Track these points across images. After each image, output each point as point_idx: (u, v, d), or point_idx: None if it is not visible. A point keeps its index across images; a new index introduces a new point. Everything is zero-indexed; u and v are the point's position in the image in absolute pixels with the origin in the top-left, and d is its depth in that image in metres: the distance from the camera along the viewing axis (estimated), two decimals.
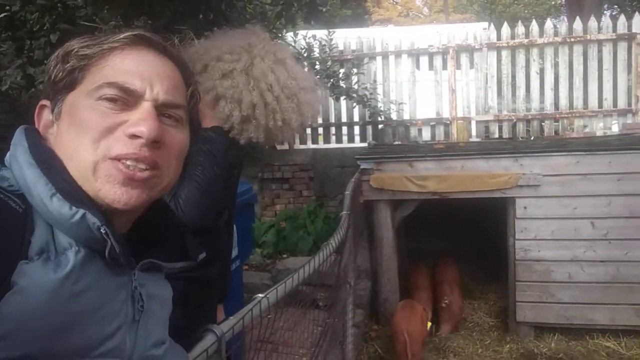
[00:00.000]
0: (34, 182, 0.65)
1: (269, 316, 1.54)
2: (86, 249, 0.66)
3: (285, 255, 5.64)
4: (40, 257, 0.62)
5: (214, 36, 1.62)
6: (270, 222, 6.04)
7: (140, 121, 0.69)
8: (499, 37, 6.08)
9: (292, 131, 1.59)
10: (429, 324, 3.91)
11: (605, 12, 12.70)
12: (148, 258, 0.75)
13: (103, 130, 0.68)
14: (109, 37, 0.73)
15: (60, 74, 0.72)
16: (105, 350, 0.68)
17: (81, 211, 0.64)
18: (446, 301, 4.26)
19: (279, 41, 1.75)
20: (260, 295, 1.41)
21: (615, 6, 19.72)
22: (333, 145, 6.47)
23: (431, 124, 6.22)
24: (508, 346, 4.07)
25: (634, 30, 5.75)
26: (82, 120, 0.69)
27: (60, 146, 0.71)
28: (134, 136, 0.69)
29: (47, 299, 0.60)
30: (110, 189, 0.68)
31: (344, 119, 6.42)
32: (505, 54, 6.07)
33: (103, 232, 0.65)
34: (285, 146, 6.39)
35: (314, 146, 6.52)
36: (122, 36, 0.73)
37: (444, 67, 6.19)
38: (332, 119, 6.46)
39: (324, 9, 2.98)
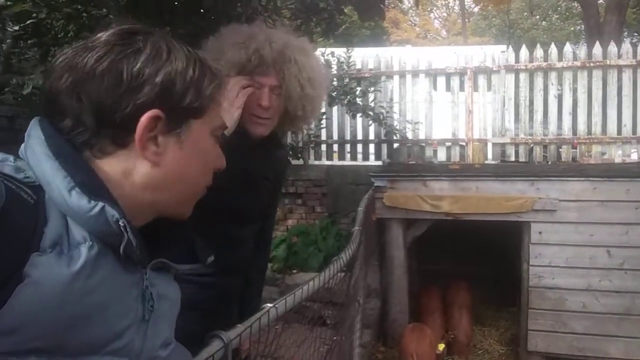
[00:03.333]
0: (52, 175, 0.65)
1: (276, 327, 1.53)
2: (100, 245, 0.66)
3: (295, 271, 5.61)
4: (54, 250, 0.62)
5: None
6: (281, 236, 6.03)
7: (222, 159, 0.84)
8: (517, 60, 6.07)
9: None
10: (442, 346, 3.83)
11: (625, 39, 12.67)
12: (158, 258, 0.75)
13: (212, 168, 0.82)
14: (216, 79, 0.78)
15: (192, 99, 0.74)
16: (114, 348, 0.68)
17: (100, 204, 0.65)
18: (452, 336, 4.19)
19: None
20: (268, 304, 1.40)
21: (635, 33, 19.68)
22: (347, 162, 6.48)
23: (447, 144, 6.20)
24: None
25: None
26: (204, 155, 0.79)
27: (169, 162, 0.73)
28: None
29: (60, 292, 0.61)
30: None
31: (359, 136, 6.43)
32: (523, 76, 6.05)
33: (122, 224, 0.65)
34: (300, 161, 6.41)
35: (329, 162, 6.54)
36: (217, 82, 0.78)
37: (461, 88, 6.19)
38: (348, 136, 6.48)
39: (343, 26, 3.01)
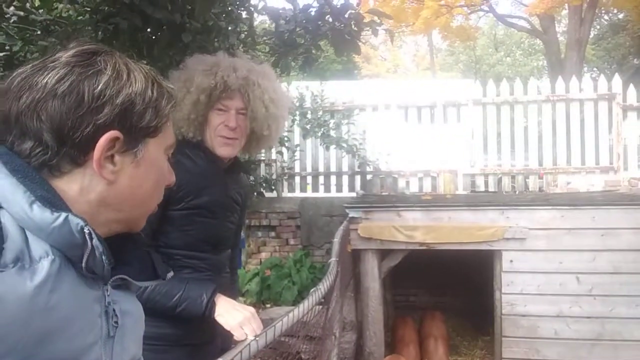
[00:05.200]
0: (12, 191, 0.65)
1: (258, 358, 1.52)
2: (61, 259, 0.66)
3: (268, 305, 5.54)
4: (16, 265, 0.62)
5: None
6: (254, 270, 5.97)
7: (173, 175, 0.86)
8: (484, 94, 6.30)
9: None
10: None
11: (585, 73, 13.29)
12: (117, 275, 0.75)
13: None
14: (172, 98, 0.81)
15: (150, 119, 0.75)
16: None
17: (63, 214, 0.65)
18: None
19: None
20: (250, 337, 1.39)
21: (595, 69, 20.63)
22: (321, 194, 6.52)
23: (419, 175, 6.33)
24: None
25: (614, 91, 6.00)
26: (158, 173, 0.80)
27: (124, 180, 0.74)
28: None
29: (25, 306, 0.61)
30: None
31: (332, 168, 6.50)
32: (490, 110, 6.27)
33: (87, 231, 0.66)
34: (274, 194, 6.42)
35: (302, 194, 6.57)
36: (174, 101, 0.81)
37: (432, 120, 6.36)
38: (321, 168, 6.54)
39: (318, 60, 3.09)
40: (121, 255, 0.77)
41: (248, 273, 5.86)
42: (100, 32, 2.85)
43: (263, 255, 6.21)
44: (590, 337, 3.89)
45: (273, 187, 6.42)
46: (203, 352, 1.56)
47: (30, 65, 0.71)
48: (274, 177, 6.45)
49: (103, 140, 0.69)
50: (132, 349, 0.80)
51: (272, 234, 6.23)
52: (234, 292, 1.87)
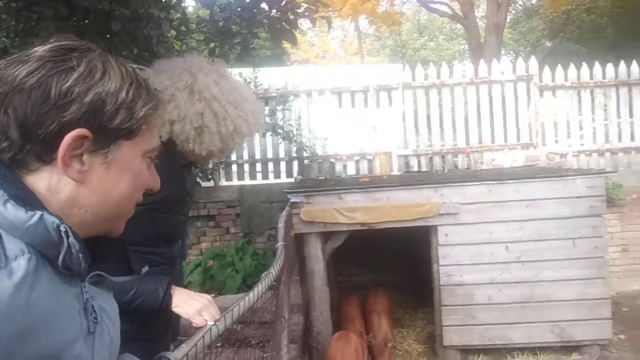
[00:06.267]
0: None
1: (217, 345, 1.54)
2: (37, 257, 0.65)
3: (212, 295, 5.49)
4: None
5: (157, 66, 1.69)
6: (196, 260, 5.90)
7: (156, 180, 0.85)
8: (413, 78, 6.52)
9: (242, 138, 1.72)
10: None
11: (503, 57, 14.00)
12: (93, 271, 0.75)
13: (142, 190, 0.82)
14: (152, 101, 0.78)
15: (122, 121, 0.73)
16: None
17: (38, 212, 0.65)
18: (371, 339, 4.35)
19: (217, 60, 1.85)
20: (210, 323, 1.42)
21: (512, 52, 21.73)
22: (259, 181, 6.52)
23: (355, 158, 6.47)
24: None
25: (530, 72, 6.41)
26: (133, 177, 0.78)
27: (94, 181, 0.73)
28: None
29: (6, 304, 0.60)
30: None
31: (269, 155, 6.50)
32: (419, 93, 6.50)
33: (63, 229, 0.66)
34: (211, 183, 6.34)
35: (240, 182, 6.53)
36: (153, 104, 0.78)
37: (365, 104, 6.51)
38: (258, 155, 6.53)
39: (254, 47, 3.09)
40: (96, 251, 0.77)
41: (189, 264, 5.77)
42: (21, 21, 2.70)
43: (203, 245, 6.15)
44: (521, 300, 4.20)
45: (210, 177, 6.34)
46: (157, 345, 1.58)
47: (6, 59, 0.70)
48: (210, 166, 6.36)
49: (68, 138, 0.68)
50: (112, 344, 0.80)
51: (212, 223, 6.17)
52: (182, 281, 1.88)
